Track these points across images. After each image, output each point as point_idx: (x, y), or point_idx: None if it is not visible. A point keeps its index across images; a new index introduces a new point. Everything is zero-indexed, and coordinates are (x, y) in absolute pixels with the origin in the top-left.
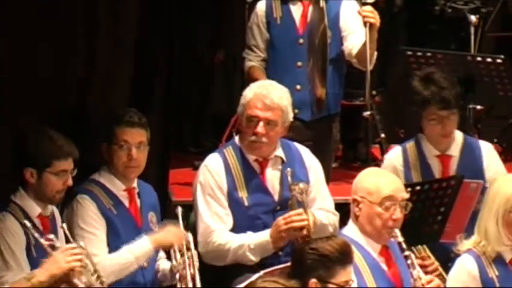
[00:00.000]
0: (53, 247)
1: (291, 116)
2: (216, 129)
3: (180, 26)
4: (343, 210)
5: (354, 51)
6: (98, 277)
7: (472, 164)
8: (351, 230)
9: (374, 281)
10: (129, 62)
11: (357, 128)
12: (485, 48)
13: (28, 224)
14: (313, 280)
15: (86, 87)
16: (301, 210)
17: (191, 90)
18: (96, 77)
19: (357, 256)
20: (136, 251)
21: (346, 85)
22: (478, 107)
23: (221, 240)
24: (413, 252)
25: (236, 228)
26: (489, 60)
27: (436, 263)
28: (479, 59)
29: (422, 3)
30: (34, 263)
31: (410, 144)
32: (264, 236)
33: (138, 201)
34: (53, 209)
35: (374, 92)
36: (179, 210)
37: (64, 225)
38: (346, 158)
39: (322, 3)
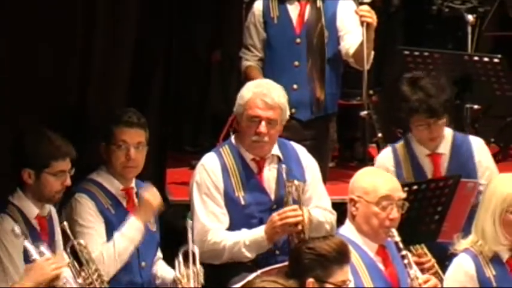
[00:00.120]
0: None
1: (288, 114)
2: (215, 129)
3: (180, 27)
4: (340, 210)
5: (351, 51)
6: (99, 276)
7: (463, 161)
8: (347, 230)
9: (371, 281)
10: (128, 62)
11: (354, 128)
12: (483, 48)
13: (17, 230)
14: (311, 280)
15: (84, 87)
16: (295, 206)
17: (190, 90)
18: (95, 76)
19: (354, 256)
20: (128, 233)
21: (343, 85)
22: (475, 106)
23: (216, 238)
24: (410, 251)
25: (232, 228)
26: (486, 59)
27: (433, 260)
28: (476, 58)
29: (420, 3)
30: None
31: (399, 145)
32: (259, 232)
33: (136, 201)
34: (51, 208)
35: (371, 92)
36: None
37: (65, 223)
38: (343, 157)
39: (319, 3)
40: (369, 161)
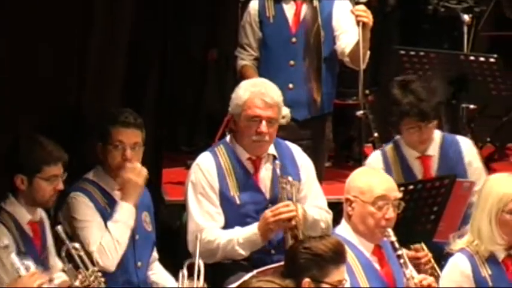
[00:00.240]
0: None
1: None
2: (210, 129)
3: (175, 28)
4: (336, 210)
5: (347, 51)
6: (96, 278)
7: (452, 162)
8: (343, 230)
9: (367, 281)
10: (123, 60)
11: (350, 127)
12: (479, 48)
13: (6, 242)
14: (307, 280)
15: (81, 86)
16: (289, 202)
17: (186, 91)
18: (90, 74)
19: (350, 255)
20: (121, 218)
21: (339, 84)
22: (471, 106)
23: (210, 237)
24: (408, 248)
25: (227, 227)
26: (482, 59)
27: (430, 255)
28: (472, 58)
29: (416, 3)
30: None
31: (389, 148)
32: (252, 229)
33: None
34: (42, 214)
35: (367, 91)
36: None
37: (59, 227)
38: (339, 157)
39: (315, 3)
40: (365, 160)
